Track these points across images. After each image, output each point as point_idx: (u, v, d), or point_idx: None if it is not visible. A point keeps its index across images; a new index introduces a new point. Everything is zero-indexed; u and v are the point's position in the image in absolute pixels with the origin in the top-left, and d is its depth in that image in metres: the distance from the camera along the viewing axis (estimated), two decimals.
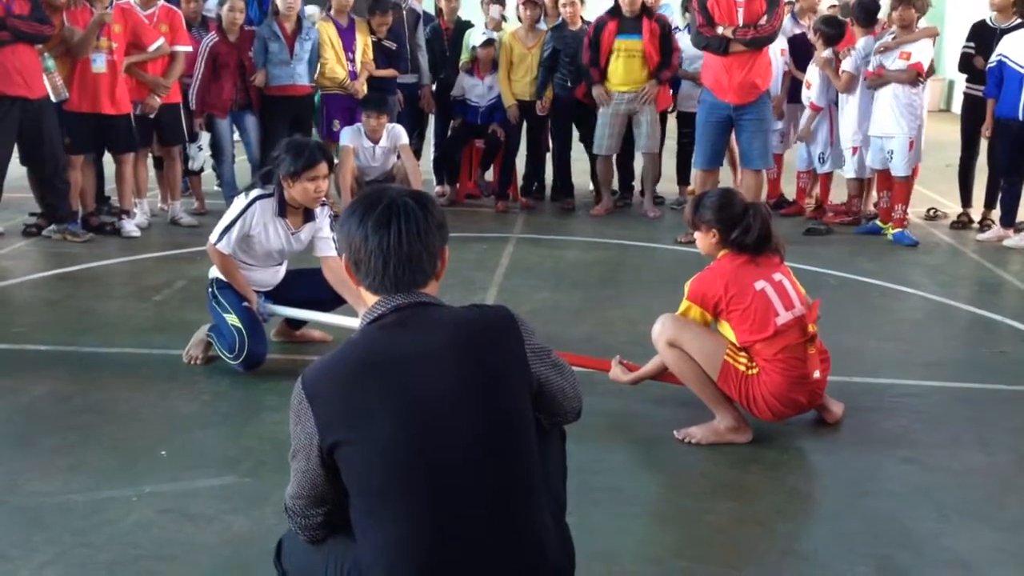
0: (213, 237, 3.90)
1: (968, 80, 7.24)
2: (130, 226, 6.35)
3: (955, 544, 2.72)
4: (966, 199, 7.25)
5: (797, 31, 7.46)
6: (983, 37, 6.96)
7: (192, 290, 4.99)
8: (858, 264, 5.98)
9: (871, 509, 2.92)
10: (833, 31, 6.91)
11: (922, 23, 6.78)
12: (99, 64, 6.07)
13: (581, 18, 7.38)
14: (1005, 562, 2.64)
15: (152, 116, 6.48)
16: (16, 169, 6.24)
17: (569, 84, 7.32)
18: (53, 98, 6.02)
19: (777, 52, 7.24)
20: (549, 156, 7.84)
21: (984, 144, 7.01)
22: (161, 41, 6.38)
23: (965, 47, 7.14)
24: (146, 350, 4.17)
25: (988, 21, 7.05)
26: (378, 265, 1.78)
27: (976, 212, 7.17)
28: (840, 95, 6.93)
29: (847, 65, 6.72)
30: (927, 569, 2.60)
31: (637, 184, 7.79)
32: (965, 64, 7.13)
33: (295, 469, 1.80)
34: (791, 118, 7.52)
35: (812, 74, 7.03)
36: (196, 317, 4.28)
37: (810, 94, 7.06)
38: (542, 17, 7.54)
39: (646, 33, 6.92)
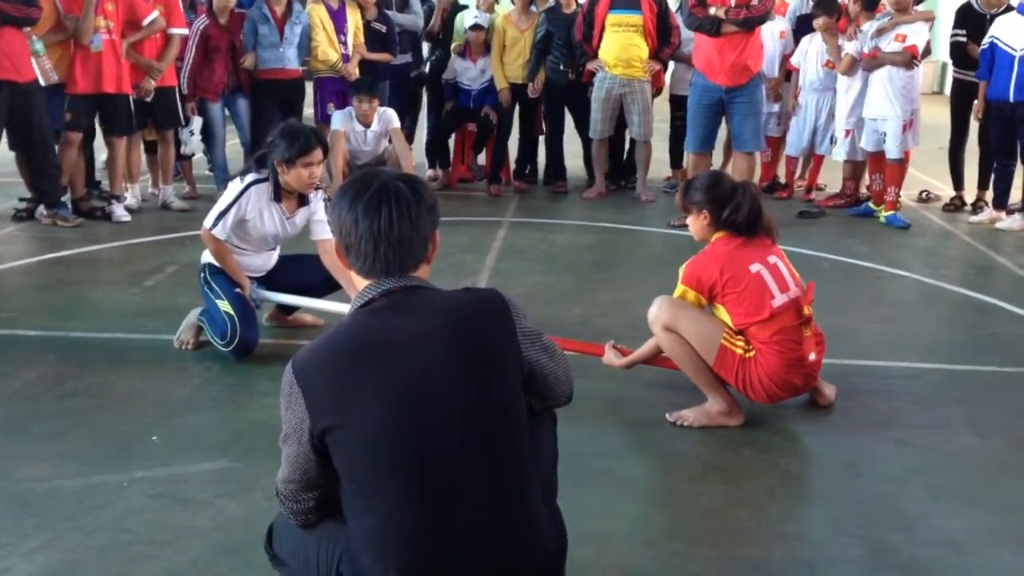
0: (208, 222, 3.87)
1: (956, 65, 7.22)
2: (120, 211, 6.31)
3: (947, 525, 2.73)
4: (957, 182, 7.27)
5: (803, 11, 7.44)
6: (972, 22, 6.94)
7: (183, 275, 4.97)
8: (851, 247, 5.98)
9: (863, 491, 2.93)
10: (825, 12, 6.92)
11: (920, 7, 6.75)
12: (96, 44, 6.02)
13: (576, 1, 7.34)
14: (996, 543, 2.65)
15: (149, 100, 6.43)
16: (6, 154, 6.20)
17: (562, 67, 7.28)
18: (42, 82, 5.97)
19: (776, 35, 7.23)
20: (542, 139, 7.82)
21: (974, 126, 7.01)
22: (156, 14, 6.32)
23: (955, 35, 7.11)
24: (137, 335, 4.15)
25: (974, 5, 7.03)
26: (368, 249, 1.77)
27: (970, 194, 7.18)
28: (839, 77, 6.92)
29: (850, 48, 6.70)
30: (919, 550, 2.61)
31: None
32: (958, 52, 7.10)
33: (286, 454, 1.79)
34: (788, 98, 7.52)
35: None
36: (187, 302, 4.26)
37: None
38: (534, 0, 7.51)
39: (646, 9, 6.88)
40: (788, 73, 7.44)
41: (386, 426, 1.68)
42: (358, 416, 1.69)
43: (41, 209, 6.15)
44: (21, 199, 6.40)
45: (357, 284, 1.84)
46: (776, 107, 7.40)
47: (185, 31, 6.59)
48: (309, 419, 1.71)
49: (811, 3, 7.40)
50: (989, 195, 6.91)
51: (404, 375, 1.71)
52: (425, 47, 8.05)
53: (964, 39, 6.99)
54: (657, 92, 7.65)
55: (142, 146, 6.91)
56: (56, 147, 6.14)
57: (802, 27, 7.34)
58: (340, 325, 1.80)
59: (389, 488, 1.69)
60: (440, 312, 1.78)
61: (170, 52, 6.51)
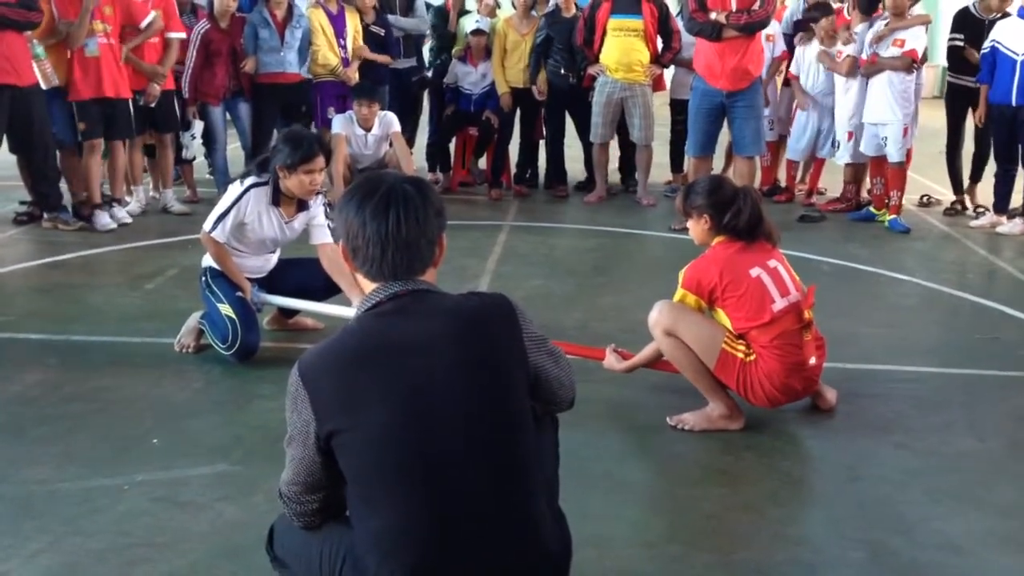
0: (207, 225, 3.88)
1: (952, 69, 7.21)
2: (121, 213, 6.32)
3: (947, 528, 2.73)
4: (956, 187, 7.28)
5: (799, 17, 7.45)
6: (970, 27, 6.94)
7: (184, 278, 4.97)
8: (851, 251, 5.99)
9: (864, 494, 2.93)
10: (820, 14, 6.96)
11: (916, 10, 6.76)
12: (92, 48, 6.01)
13: (575, 4, 7.35)
14: (996, 545, 2.65)
15: (153, 105, 6.45)
16: (7, 157, 6.20)
17: (562, 71, 7.30)
18: (43, 85, 5.98)
19: (764, 38, 7.23)
20: (542, 144, 7.83)
21: (968, 128, 7.04)
22: (154, 15, 6.31)
23: (952, 39, 7.11)
24: (137, 338, 4.15)
25: (972, 9, 7.04)
26: (376, 252, 1.77)
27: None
28: (837, 80, 6.93)
29: (850, 50, 6.71)
30: (919, 553, 2.61)
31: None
32: (954, 56, 7.09)
33: (290, 456, 1.79)
34: (783, 102, 7.53)
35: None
36: (187, 305, 4.26)
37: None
38: (536, 3, 7.52)
39: (647, 13, 6.90)
40: (787, 80, 7.45)
41: (391, 429, 1.68)
42: (364, 419, 1.69)
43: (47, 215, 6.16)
44: (22, 203, 6.41)
45: (364, 287, 1.84)
46: (767, 111, 7.39)
47: (183, 35, 6.60)
48: (315, 422, 1.71)
49: (805, 8, 7.43)
50: (979, 188, 6.95)
51: (410, 379, 1.70)
52: (426, 51, 8.07)
53: (961, 43, 7.00)
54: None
55: (142, 150, 6.92)
56: (57, 152, 6.15)
57: (799, 32, 7.34)
58: (346, 328, 1.80)
59: (394, 491, 1.68)
60: (447, 316, 1.77)
61: (170, 56, 6.52)
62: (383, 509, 1.69)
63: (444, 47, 7.80)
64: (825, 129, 7.20)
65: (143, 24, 6.29)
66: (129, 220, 6.30)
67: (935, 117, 9.13)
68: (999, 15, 6.73)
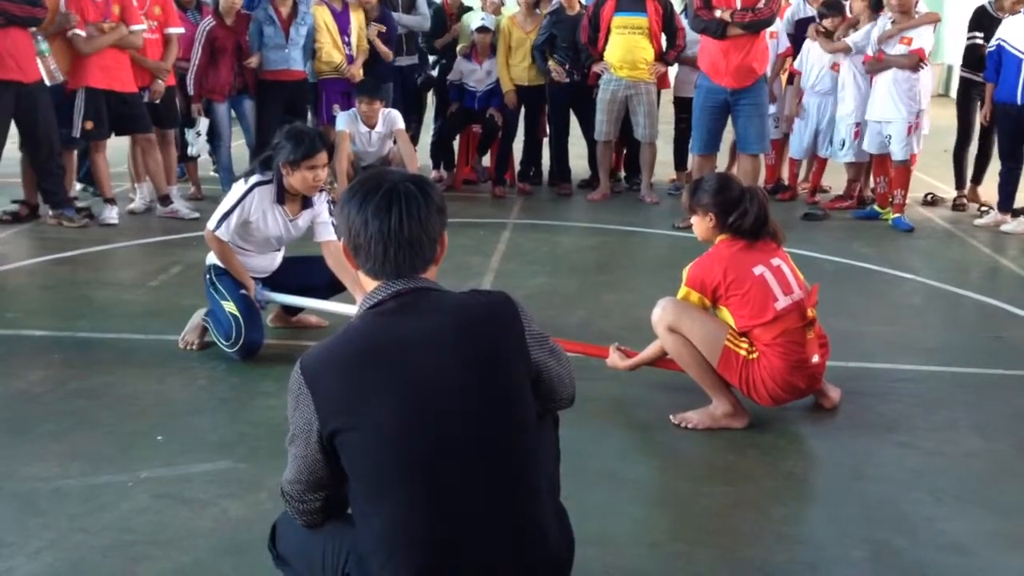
0: (211, 223, 3.88)
1: (972, 67, 7.18)
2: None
3: (951, 528, 2.73)
4: (960, 183, 7.27)
5: (801, 15, 7.44)
6: (987, 25, 6.92)
7: (188, 275, 4.98)
8: (855, 249, 5.98)
9: (867, 493, 2.93)
10: (832, 13, 6.95)
11: (922, 8, 6.74)
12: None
13: (579, 2, 7.34)
14: (1001, 546, 2.65)
15: (158, 101, 6.45)
16: (8, 154, 6.20)
17: (567, 68, 7.28)
18: (47, 82, 5.98)
19: (767, 35, 7.22)
20: (546, 141, 7.82)
21: (976, 124, 7.03)
22: (142, 27, 6.25)
23: (972, 37, 7.09)
24: (141, 335, 4.16)
25: (988, 8, 7.03)
26: (378, 250, 1.77)
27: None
28: (838, 79, 6.92)
29: (849, 40, 6.71)
30: (923, 553, 2.60)
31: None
32: (974, 54, 7.06)
33: (293, 454, 1.79)
34: (787, 100, 7.52)
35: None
36: (192, 303, 4.27)
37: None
38: (540, 1, 7.51)
39: (651, 11, 6.89)
40: (791, 76, 7.44)
41: (393, 428, 1.68)
42: (367, 418, 1.69)
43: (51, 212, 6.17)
44: (14, 201, 6.36)
45: (365, 285, 1.84)
46: (773, 108, 7.39)
47: (181, 30, 6.60)
48: (318, 420, 1.71)
49: (807, 6, 7.40)
50: (983, 194, 6.90)
51: (412, 377, 1.70)
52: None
53: (980, 41, 6.98)
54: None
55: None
56: (61, 148, 6.15)
57: (801, 31, 7.32)
58: (349, 326, 1.80)
59: (397, 490, 1.68)
60: (449, 314, 1.77)
61: (171, 52, 6.52)
62: (386, 508, 1.69)
63: (431, 48, 7.80)
64: (824, 128, 7.19)
65: (131, 29, 6.15)
66: (115, 221, 6.20)
67: (940, 115, 9.12)
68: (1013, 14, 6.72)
